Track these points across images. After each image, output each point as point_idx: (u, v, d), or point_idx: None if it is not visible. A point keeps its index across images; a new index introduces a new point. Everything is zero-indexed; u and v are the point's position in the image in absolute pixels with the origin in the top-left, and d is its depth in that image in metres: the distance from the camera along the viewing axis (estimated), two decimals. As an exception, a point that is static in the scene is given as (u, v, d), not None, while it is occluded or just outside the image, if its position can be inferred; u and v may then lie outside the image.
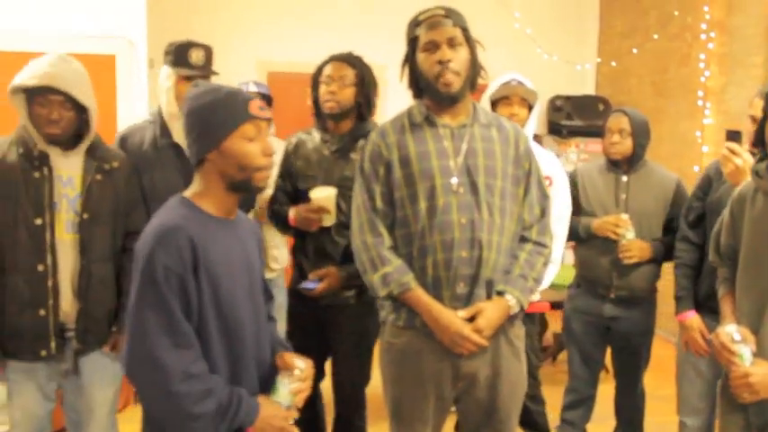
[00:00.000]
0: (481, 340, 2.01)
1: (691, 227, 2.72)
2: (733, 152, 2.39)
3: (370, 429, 2.89)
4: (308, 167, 2.65)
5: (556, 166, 2.84)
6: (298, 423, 2.96)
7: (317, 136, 2.69)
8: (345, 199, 2.50)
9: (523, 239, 2.15)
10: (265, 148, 1.62)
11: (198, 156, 1.61)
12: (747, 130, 2.50)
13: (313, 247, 2.62)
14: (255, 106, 1.60)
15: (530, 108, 2.79)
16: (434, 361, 2.08)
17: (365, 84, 2.61)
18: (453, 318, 2.01)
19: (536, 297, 2.77)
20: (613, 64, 6.19)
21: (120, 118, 4.54)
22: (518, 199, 2.13)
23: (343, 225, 2.51)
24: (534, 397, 2.86)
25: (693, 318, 2.64)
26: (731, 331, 1.87)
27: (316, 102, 2.66)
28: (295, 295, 2.74)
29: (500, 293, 2.06)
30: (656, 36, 5.57)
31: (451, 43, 2.02)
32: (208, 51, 2.68)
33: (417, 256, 2.06)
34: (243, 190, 1.64)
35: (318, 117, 2.68)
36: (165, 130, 2.61)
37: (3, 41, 4.17)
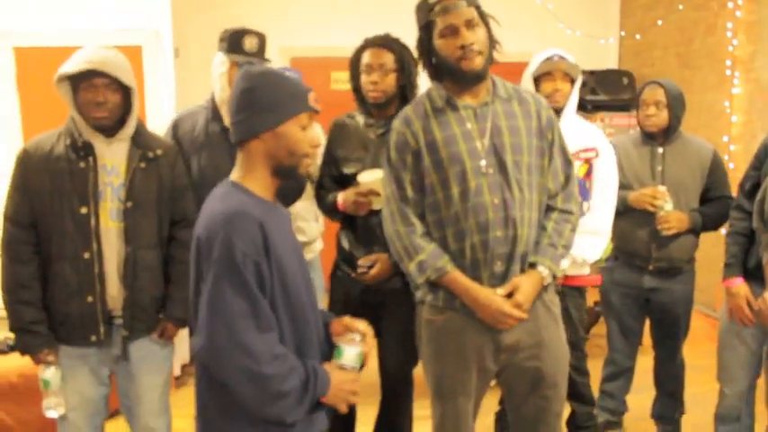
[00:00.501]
0: (522, 314, 2.05)
1: (746, 196, 2.68)
2: None
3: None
4: (353, 152, 2.64)
5: (599, 137, 2.84)
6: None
7: (360, 120, 2.69)
8: None
9: (549, 208, 2.18)
10: (312, 139, 1.67)
11: (250, 133, 1.62)
12: None
13: (363, 230, 2.61)
14: (313, 98, 1.66)
15: (572, 82, 2.79)
16: (475, 335, 2.11)
17: (406, 66, 2.58)
18: (492, 296, 2.04)
19: (586, 270, 2.79)
20: (637, 37, 6.13)
21: (147, 107, 4.59)
22: (543, 170, 2.15)
23: None
24: (579, 369, 2.87)
25: (740, 285, 2.63)
26: None
27: (357, 89, 2.66)
28: (339, 279, 2.75)
29: (532, 265, 2.10)
30: (681, 7, 5.50)
31: (469, 25, 2.02)
32: (261, 39, 2.71)
33: (453, 240, 2.08)
34: (287, 175, 1.67)
35: (362, 103, 2.67)
36: (216, 115, 2.64)
37: (32, 38, 4.24)
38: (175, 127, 2.69)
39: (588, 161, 2.74)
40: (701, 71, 5.37)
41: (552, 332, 2.17)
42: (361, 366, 1.73)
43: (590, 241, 2.66)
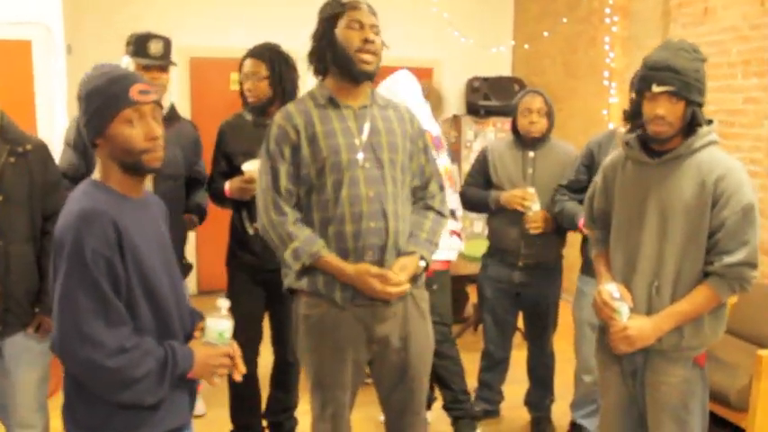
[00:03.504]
0: (397, 277, 2.16)
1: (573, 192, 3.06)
2: None
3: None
4: (246, 147, 2.91)
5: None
6: (235, 399, 3.11)
7: (249, 117, 3.01)
8: None
9: (427, 207, 2.35)
10: (147, 132, 1.64)
11: (89, 141, 1.66)
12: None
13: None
14: (137, 90, 1.62)
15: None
16: (350, 329, 2.22)
17: (278, 74, 2.90)
18: (364, 266, 2.15)
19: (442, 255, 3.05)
20: (526, 46, 6.45)
21: (38, 103, 4.50)
22: (413, 172, 2.33)
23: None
24: (439, 353, 3.00)
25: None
26: (611, 289, 2.11)
27: (242, 93, 3.02)
28: (237, 264, 3.03)
29: (409, 253, 2.24)
30: (564, 20, 5.84)
31: (374, 29, 2.19)
32: (167, 43, 2.87)
33: (321, 226, 2.19)
34: (136, 171, 1.68)
35: (247, 104, 3.00)
36: None
37: None
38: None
39: None
40: (584, 80, 5.73)
41: (419, 326, 2.32)
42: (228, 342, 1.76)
43: None
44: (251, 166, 2.80)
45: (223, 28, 5.77)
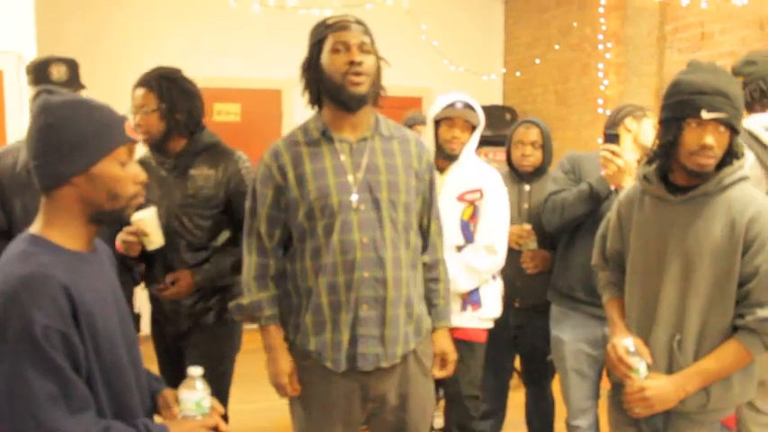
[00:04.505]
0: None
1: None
2: (613, 153, 2.46)
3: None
4: (149, 192, 2.39)
5: (490, 178, 2.76)
6: None
7: (152, 159, 2.56)
8: (190, 217, 2.50)
9: (436, 261, 2.23)
10: (136, 175, 1.45)
11: (57, 179, 1.37)
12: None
13: (162, 268, 2.49)
14: (131, 127, 1.44)
15: (473, 128, 2.73)
16: (344, 383, 2.03)
17: (170, 103, 2.43)
18: (282, 374, 2.07)
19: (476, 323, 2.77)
20: (518, 74, 6.33)
21: (9, 134, 4.32)
22: (417, 211, 2.13)
23: (192, 245, 2.51)
24: (464, 427, 2.84)
25: None
26: (627, 344, 1.88)
27: None
28: (156, 321, 2.71)
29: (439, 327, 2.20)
30: (557, 47, 5.72)
31: (362, 48, 1.96)
32: (71, 65, 2.57)
33: (312, 275, 2.01)
34: (109, 221, 1.45)
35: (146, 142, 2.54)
36: None
37: None
38: None
39: (473, 203, 2.71)
40: (577, 109, 5.59)
41: (420, 384, 2.13)
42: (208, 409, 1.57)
43: (465, 276, 2.65)
44: (139, 215, 2.31)
45: (206, 58, 5.60)
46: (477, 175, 2.74)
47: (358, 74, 1.93)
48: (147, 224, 2.31)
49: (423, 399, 2.14)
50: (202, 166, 2.51)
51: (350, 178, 1.99)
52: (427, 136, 2.76)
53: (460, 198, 2.69)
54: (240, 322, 2.52)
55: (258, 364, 2.30)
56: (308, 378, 2.05)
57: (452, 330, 2.56)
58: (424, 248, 2.19)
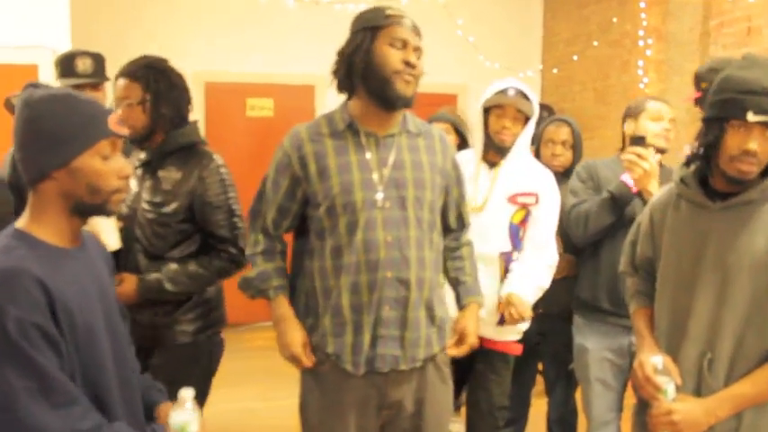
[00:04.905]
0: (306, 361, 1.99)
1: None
2: (640, 156, 2.36)
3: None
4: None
5: (545, 182, 2.55)
6: None
7: (140, 156, 2.36)
8: (150, 223, 2.24)
9: (460, 244, 2.20)
10: (120, 169, 1.42)
11: (39, 173, 1.37)
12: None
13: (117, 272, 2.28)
14: (114, 121, 1.41)
15: (526, 120, 2.48)
16: (359, 388, 1.96)
17: (156, 97, 2.22)
18: (296, 336, 1.99)
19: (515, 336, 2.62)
20: (555, 71, 6.19)
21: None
22: (439, 210, 2.08)
23: (148, 253, 2.26)
24: None
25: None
26: (656, 362, 1.75)
27: None
28: None
29: (468, 303, 2.14)
30: (596, 43, 5.58)
31: (418, 51, 1.91)
32: (97, 59, 2.58)
33: (333, 275, 1.94)
34: (91, 214, 1.43)
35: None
36: None
37: None
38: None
39: (525, 207, 2.49)
40: (617, 107, 5.42)
41: (438, 391, 2.06)
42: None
43: (532, 293, 2.52)
44: (95, 221, 2.10)
45: (239, 53, 5.63)
46: (532, 175, 2.54)
47: (411, 77, 1.88)
48: (99, 226, 2.16)
49: (439, 406, 2.07)
50: (171, 168, 2.26)
51: (375, 176, 1.93)
52: (475, 126, 2.58)
53: (512, 200, 2.48)
54: (219, 344, 2.39)
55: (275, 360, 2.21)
56: (323, 384, 1.99)
57: (490, 342, 2.49)
58: (451, 233, 2.17)
